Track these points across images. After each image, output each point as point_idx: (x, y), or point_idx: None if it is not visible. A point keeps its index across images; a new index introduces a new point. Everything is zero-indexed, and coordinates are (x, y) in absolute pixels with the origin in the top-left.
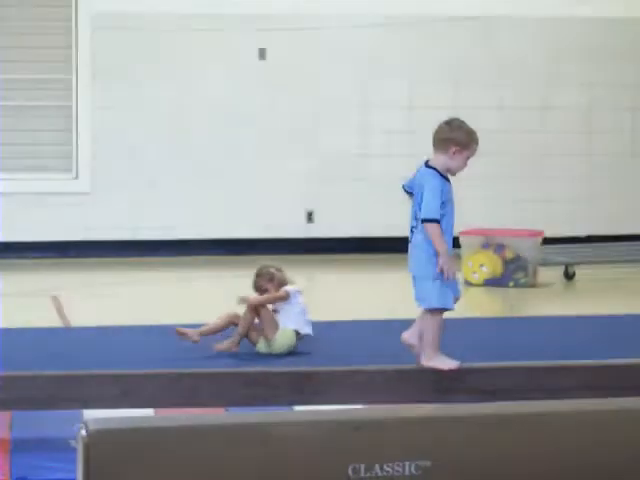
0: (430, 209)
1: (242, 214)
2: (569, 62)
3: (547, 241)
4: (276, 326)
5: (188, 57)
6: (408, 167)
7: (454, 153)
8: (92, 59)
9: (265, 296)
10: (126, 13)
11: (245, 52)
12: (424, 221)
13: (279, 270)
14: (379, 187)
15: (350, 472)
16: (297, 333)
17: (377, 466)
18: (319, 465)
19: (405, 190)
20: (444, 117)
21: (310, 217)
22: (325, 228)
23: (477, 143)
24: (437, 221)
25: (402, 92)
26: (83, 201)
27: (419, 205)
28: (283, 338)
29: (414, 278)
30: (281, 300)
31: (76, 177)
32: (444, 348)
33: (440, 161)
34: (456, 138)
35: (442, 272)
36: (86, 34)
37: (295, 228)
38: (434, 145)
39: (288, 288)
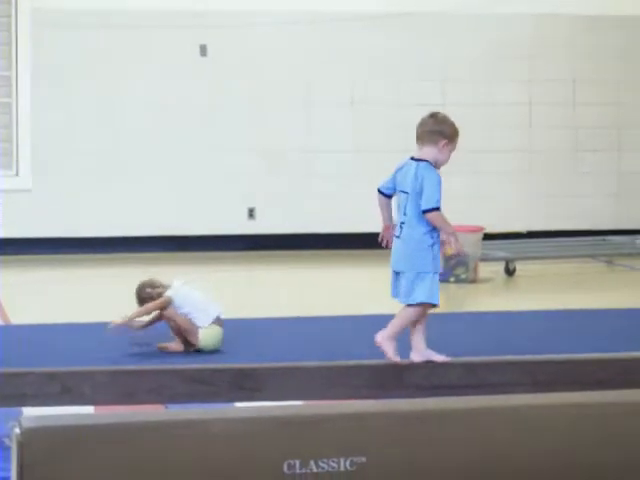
0: (433, 199)
1: (183, 211)
2: (510, 58)
3: (488, 237)
4: (195, 328)
5: (128, 54)
6: (350, 163)
7: (443, 146)
8: (32, 56)
9: (144, 307)
10: (65, 10)
11: (186, 49)
12: (427, 211)
13: (155, 287)
14: (320, 184)
15: (285, 468)
16: (218, 318)
17: (312, 462)
18: (255, 461)
19: (382, 192)
20: (386, 113)
21: (251, 214)
22: (266, 225)
23: (458, 137)
24: (439, 209)
25: (344, 88)
26: (24, 198)
27: (414, 200)
28: (207, 337)
29: (398, 274)
30: (162, 306)
31: (16, 174)
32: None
33: (431, 154)
34: (444, 131)
35: (455, 252)
36: (25, 31)
37: (236, 225)
38: (420, 139)
39: (169, 292)
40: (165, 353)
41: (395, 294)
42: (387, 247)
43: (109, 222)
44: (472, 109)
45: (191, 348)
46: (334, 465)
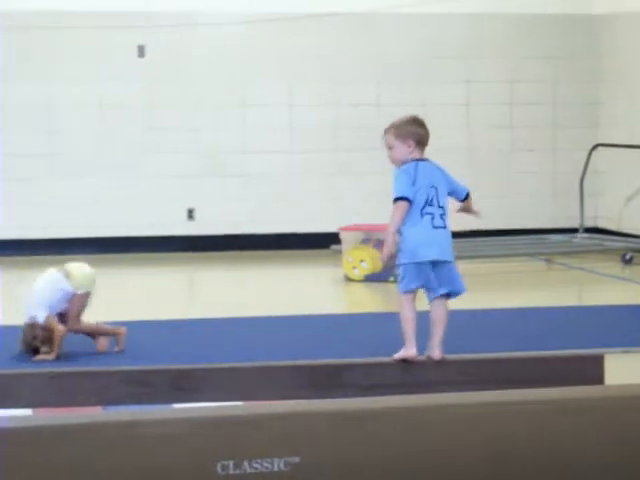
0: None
1: (122, 212)
2: (446, 58)
3: None
4: (95, 325)
5: (65, 54)
6: (287, 163)
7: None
8: None
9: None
10: (1, 11)
11: (124, 50)
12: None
13: (34, 332)
14: (259, 184)
15: (219, 469)
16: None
17: (246, 463)
18: (188, 462)
19: (409, 200)
20: (322, 114)
21: (191, 214)
22: (206, 225)
23: None
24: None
25: (281, 89)
26: None
27: (445, 192)
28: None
29: (445, 264)
30: (61, 332)
31: None
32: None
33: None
34: None
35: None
36: None
37: (176, 225)
38: (425, 144)
39: (41, 315)
40: (103, 354)
41: (433, 289)
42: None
43: (48, 224)
44: (408, 109)
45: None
46: (268, 465)
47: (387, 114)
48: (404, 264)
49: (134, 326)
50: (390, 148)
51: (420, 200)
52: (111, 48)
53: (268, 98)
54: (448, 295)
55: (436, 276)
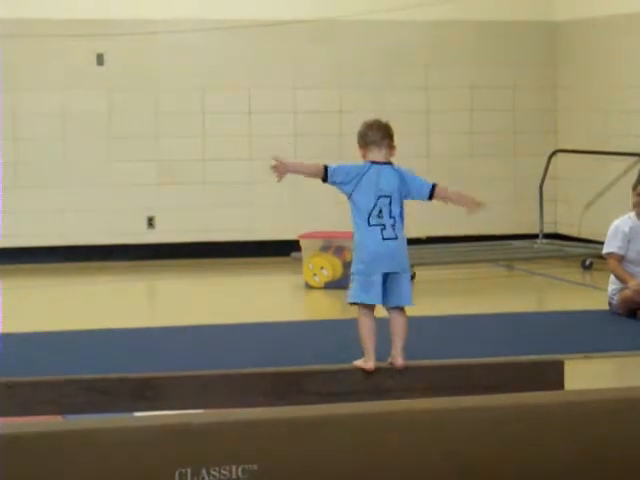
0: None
1: (81, 221)
2: (406, 65)
3: None
4: None
5: (24, 63)
6: (247, 170)
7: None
8: None
9: None
10: None
11: (83, 57)
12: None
13: None
14: (219, 191)
15: (177, 477)
16: None
17: (204, 470)
18: (146, 470)
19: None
20: (283, 121)
21: (151, 223)
22: (166, 233)
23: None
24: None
25: (242, 97)
26: None
27: (398, 200)
28: None
29: (399, 275)
30: None
31: None
32: (290, 350)
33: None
34: None
35: None
36: None
37: (136, 234)
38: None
39: None
40: (63, 362)
41: (385, 300)
42: None
43: (7, 232)
44: (368, 116)
45: None
46: (226, 473)
47: (348, 121)
48: (355, 274)
49: (94, 334)
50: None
51: (365, 207)
52: (71, 56)
53: (228, 105)
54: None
55: (386, 288)
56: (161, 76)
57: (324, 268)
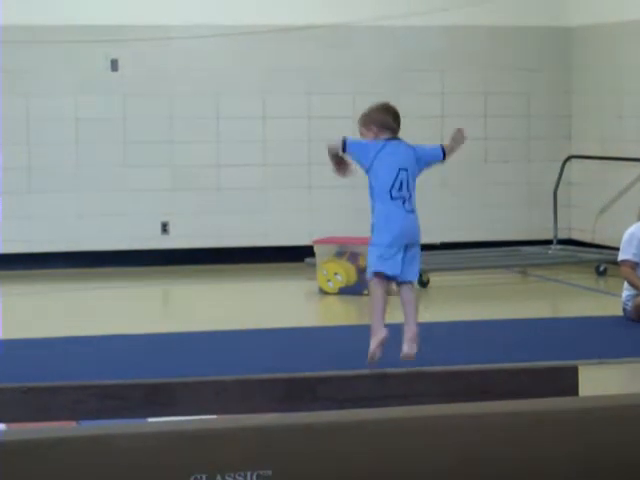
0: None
1: (96, 226)
2: (421, 71)
3: None
4: None
5: (39, 69)
6: (261, 176)
7: None
8: None
9: None
10: None
11: (97, 63)
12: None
13: None
14: (233, 197)
15: None
16: None
17: (219, 476)
18: (162, 476)
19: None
20: (297, 127)
21: (165, 228)
22: (180, 239)
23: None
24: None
25: (255, 102)
26: None
27: (413, 174)
28: None
29: (416, 248)
30: None
31: None
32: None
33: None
34: None
35: None
36: None
37: (150, 239)
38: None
39: None
40: (77, 368)
41: (400, 271)
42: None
43: (22, 238)
44: None
45: None
46: (240, 479)
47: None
48: (379, 246)
49: (108, 340)
50: (360, 135)
51: (387, 180)
52: (85, 62)
53: (242, 111)
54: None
55: (403, 260)
56: (175, 81)
57: (338, 274)
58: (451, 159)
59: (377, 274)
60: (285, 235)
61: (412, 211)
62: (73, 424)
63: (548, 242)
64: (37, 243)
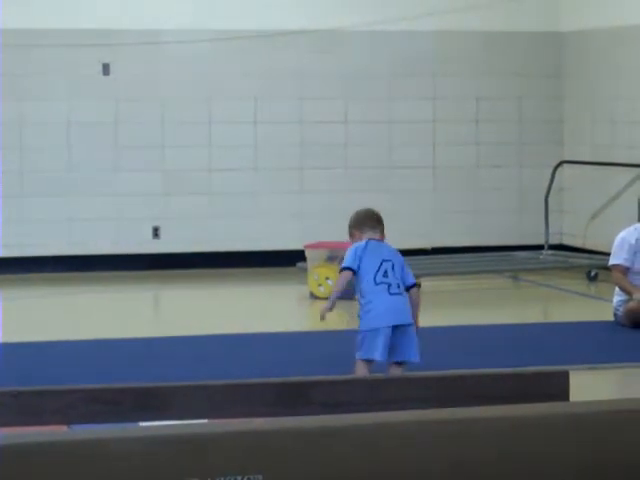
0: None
1: (86, 230)
2: (413, 75)
3: None
4: None
5: (30, 73)
6: (252, 181)
7: None
8: None
9: None
10: None
11: (88, 67)
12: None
13: None
14: (224, 201)
15: None
16: None
17: None
18: None
19: (353, 270)
20: (289, 131)
21: (156, 233)
22: (171, 243)
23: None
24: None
25: (248, 107)
26: None
27: (399, 266)
28: None
29: (407, 328)
30: None
31: None
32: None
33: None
34: None
35: None
36: None
37: (141, 244)
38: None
39: None
40: (68, 372)
41: (392, 355)
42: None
43: (14, 242)
44: (375, 126)
45: None
46: None
47: (354, 131)
48: (366, 331)
49: (99, 344)
50: (350, 236)
51: (371, 268)
52: (77, 66)
53: (234, 115)
54: (401, 363)
55: (394, 341)
56: (167, 86)
57: (329, 278)
58: (442, 164)
59: (363, 359)
60: (276, 240)
61: (399, 294)
62: (64, 428)
63: (539, 247)
64: (29, 247)
